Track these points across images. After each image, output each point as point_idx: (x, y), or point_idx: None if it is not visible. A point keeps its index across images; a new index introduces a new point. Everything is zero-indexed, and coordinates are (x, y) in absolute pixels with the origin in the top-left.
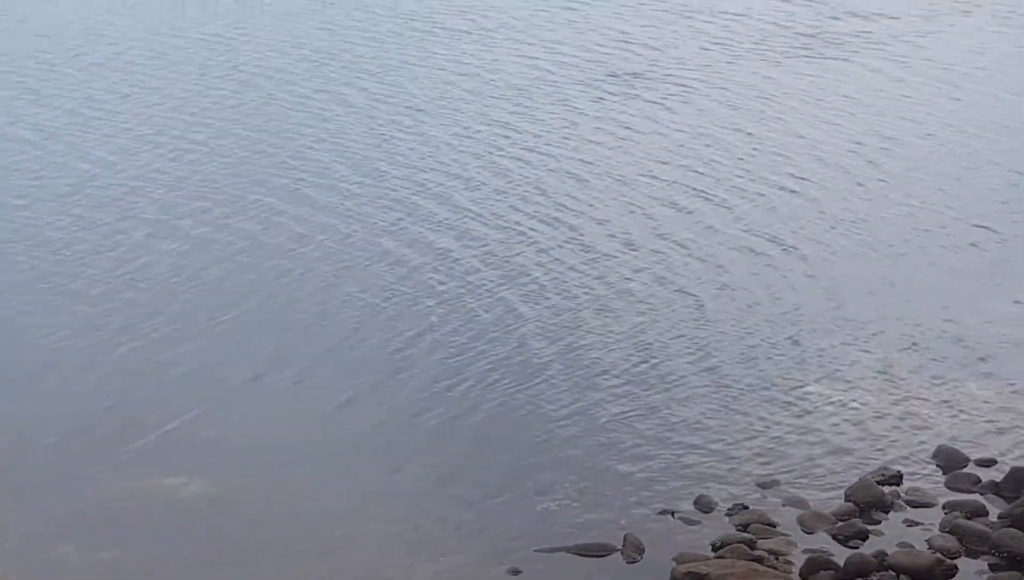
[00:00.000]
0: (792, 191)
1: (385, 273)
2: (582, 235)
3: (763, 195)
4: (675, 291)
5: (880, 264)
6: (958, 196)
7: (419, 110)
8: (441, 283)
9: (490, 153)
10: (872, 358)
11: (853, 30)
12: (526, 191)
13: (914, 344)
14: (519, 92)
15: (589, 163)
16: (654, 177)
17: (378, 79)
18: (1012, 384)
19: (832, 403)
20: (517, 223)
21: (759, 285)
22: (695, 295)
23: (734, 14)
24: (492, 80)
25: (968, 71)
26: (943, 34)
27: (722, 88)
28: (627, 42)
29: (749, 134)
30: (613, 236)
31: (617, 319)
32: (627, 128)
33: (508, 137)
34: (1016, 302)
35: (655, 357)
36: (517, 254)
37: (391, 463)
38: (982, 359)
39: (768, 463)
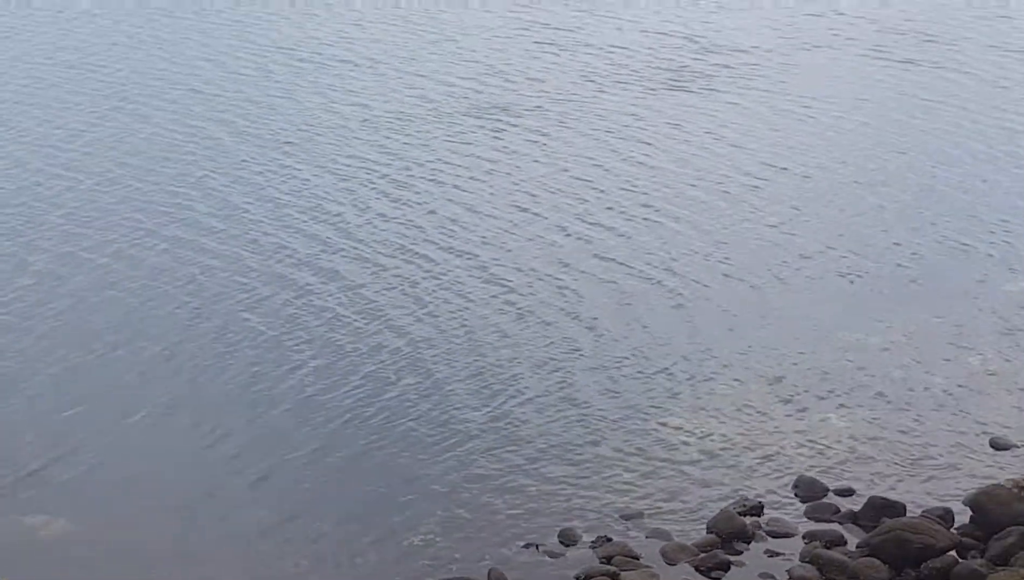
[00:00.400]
0: (661, 222)
1: (260, 307)
2: (456, 267)
3: (633, 226)
4: (542, 323)
5: (744, 296)
6: (823, 228)
7: (301, 140)
8: (315, 316)
9: (370, 183)
10: (734, 390)
11: (719, 64)
12: (402, 222)
13: (775, 376)
14: (399, 122)
15: (466, 193)
16: (528, 208)
17: (260, 109)
18: (869, 415)
19: (694, 435)
20: (392, 255)
21: (626, 317)
22: (562, 327)
23: (604, 48)
24: (372, 110)
25: (830, 104)
26: (805, 68)
27: (594, 120)
28: (503, 74)
29: (621, 166)
30: (487, 268)
31: (487, 351)
32: (503, 159)
33: (387, 166)
34: (874, 334)
35: (523, 390)
36: (391, 287)
37: (256, 501)
38: (841, 390)
39: (632, 495)
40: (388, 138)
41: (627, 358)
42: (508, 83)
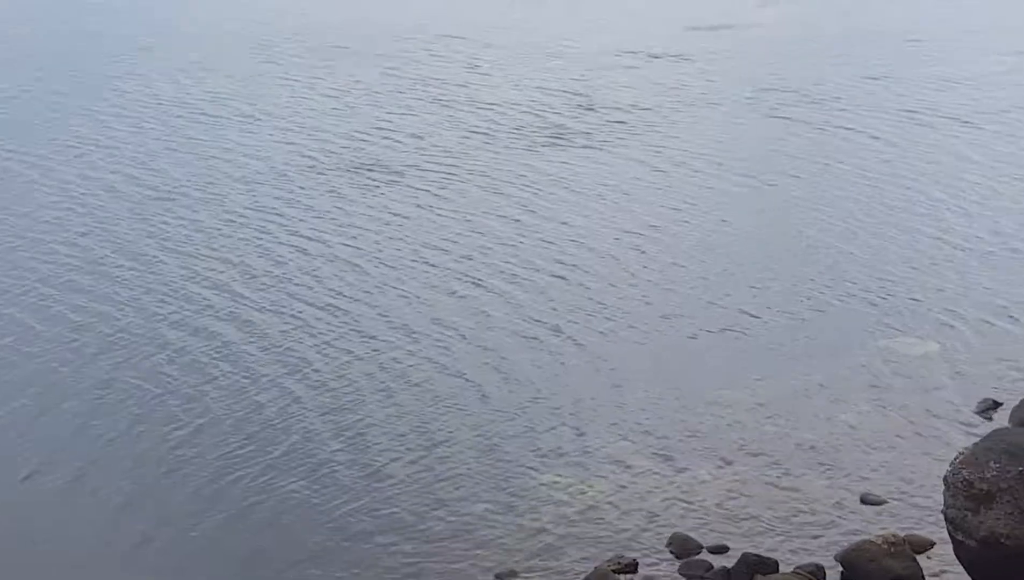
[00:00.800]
0: (543, 279)
1: (162, 365)
2: (358, 323)
3: (515, 283)
4: (421, 380)
5: (624, 353)
6: (702, 285)
7: (187, 197)
8: (218, 374)
9: (261, 241)
10: (611, 447)
11: (608, 120)
12: (299, 279)
13: (652, 433)
14: (286, 179)
15: (359, 250)
16: (409, 266)
17: (144, 165)
18: (743, 471)
19: (570, 492)
20: (293, 312)
21: (506, 373)
22: (442, 385)
23: (493, 104)
24: (259, 167)
25: (711, 161)
26: (685, 126)
27: (486, 176)
28: (391, 130)
29: (503, 223)
30: (367, 326)
31: (364, 409)
32: (395, 216)
33: (278, 224)
34: (750, 390)
35: (399, 448)
36: (269, 346)
37: (160, 571)
38: (716, 447)
39: (506, 553)
40: (267, 196)
41: (506, 415)
42: (390, 140)
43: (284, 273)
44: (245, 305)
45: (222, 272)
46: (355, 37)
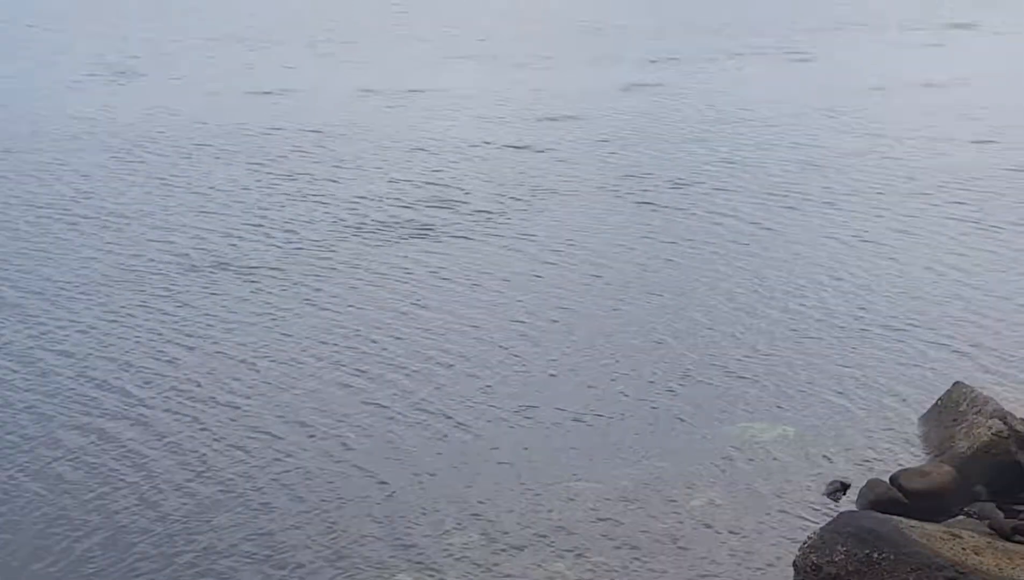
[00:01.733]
0: (394, 376)
1: (57, 465)
2: (246, 419)
3: (366, 380)
4: (310, 475)
5: (479, 443)
6: (559, 374)
7: (63, 297)
8: (113, 475)
9: (144, 339)
10: (469, 545)
11: (475, 210)
12: (186, 377)
13: (507, 529)
14: (163, 277)
15: (243, 346)
16: (308, 357)
17: (13, 268)
18: (597, 563)
19: None
20: (182, 410)
21: (371, 475)
22: (325, 476)
23: (362, 197)
24: (133, 265)
25: (585, 244)
26: (558, 211)
27: (362, 269)
28: (263, 225)
29: (389, 311)
30: (274, 418)
31: (197, 526)
32: (277, 309)
33: (160, 322)
34: (605, 480)
35: (247, 552)
36: (187, 441)
37: None
38: (568, 539)
39: None
40: (146, 294)
41: (366, 523)
42: (263, 235)
43: (170, 371)
44: (136, 405)
45: (108, 371)
46: (217, 134)
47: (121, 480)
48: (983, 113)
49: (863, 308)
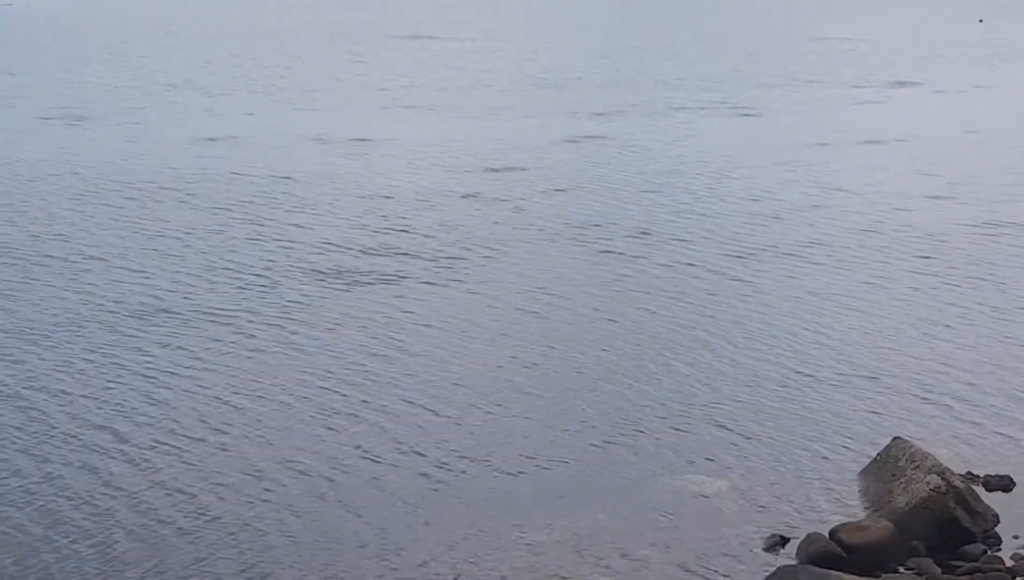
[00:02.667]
0: (338, 423)
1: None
2: (218, 468)
3: (302, 431)
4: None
5: (431, 487)
6: (504, 425)
7: (13, 342)
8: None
9: (100, 388)
10: None
11: (439, 256)
12: (144, 425)
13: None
14: (122, 323)
15: (215, 395)
16: (280, 403)
17: None
18: None
19: None
20: (142, 460)
21: (305, 539)
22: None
23: (326, 244)
24: (86, 312)
25: (544, 291)
26: (518, 259)
27: (330, 317)
28: (227, 272)
29: (359, 357)
30: (254, 466)
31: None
32: (250, 352)
33: (119, 371)
34: (541, 532)
35: None
36: (153, 497)
37: None
38: None
39: None
40: (100, 341)
41: (303, 571)
42: (228, 282)
43: (130, 421)
44: (91, 458)
45: (61, 421)
46: (172, 179)
47: (77, 527)
48: (931, 169)
49: (805, 361)
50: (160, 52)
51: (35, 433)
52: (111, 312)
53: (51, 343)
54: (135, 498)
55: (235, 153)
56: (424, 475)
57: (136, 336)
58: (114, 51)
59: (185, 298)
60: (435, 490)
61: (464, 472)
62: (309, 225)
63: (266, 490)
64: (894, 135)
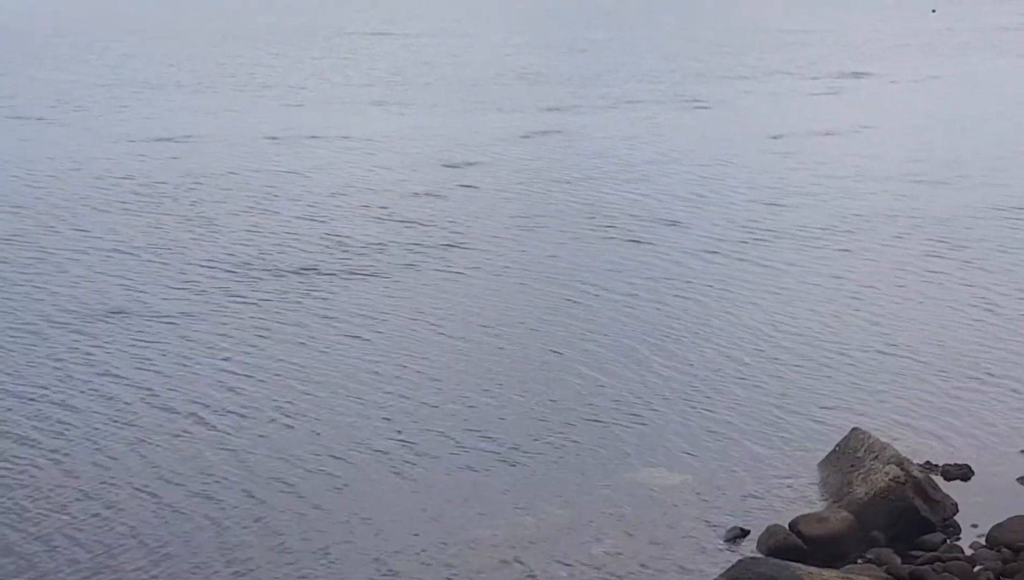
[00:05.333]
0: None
1: None
2: (205, 478)
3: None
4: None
5: (378, 493)
6: (461, 417)
7: None
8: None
9: (64, 398)
10: None
11: (390, 254)
12: (119, 437)
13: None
14: (82, 325)
15: (195, 400)
16: (256, 405)
17: None
18: None
19: None
20: (121, 472)
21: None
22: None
23: (266, 244)
24: (33, 317)
25: (492, 292)
26: (466, 256)
27: (254, 318)
28: (136, 274)
29: (293, 363)
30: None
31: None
32: (233, 352)
33: (81, 379)
34: (502, 529)
35: None
36: (130, 516)
37: None
38: None
39: None
40: (59, 346)
41: (258, 565)
42: (144, 283)
43: (99, 433)
44: (67, 479)
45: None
46: (124, 179)
47: (63, 532)
48: (890, 159)
49: (763, 353)
50: (121, 52)
51: None
52: (74, 313)
53: (10, 347)
54: (120, 500)
55: (186, 152)
56: (372, 472)
57: (112, 336)
58: (76, 52)
59: (126, 299)
60: (392, 487)
61: (421, 466)
62: (266, 224)
63: (219, 485)
64: (848, 125)
